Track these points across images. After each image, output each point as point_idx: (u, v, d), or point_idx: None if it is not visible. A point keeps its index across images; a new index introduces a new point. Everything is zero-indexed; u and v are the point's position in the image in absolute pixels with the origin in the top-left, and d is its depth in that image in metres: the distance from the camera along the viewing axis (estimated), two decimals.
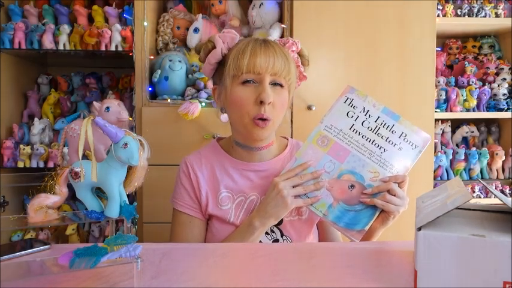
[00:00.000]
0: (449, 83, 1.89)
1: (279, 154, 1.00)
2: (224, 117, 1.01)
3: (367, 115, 0.90)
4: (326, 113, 0.92)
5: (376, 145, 0.88)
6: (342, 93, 0.93)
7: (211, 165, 0.99)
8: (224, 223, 0.95)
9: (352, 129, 0.90)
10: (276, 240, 0.96)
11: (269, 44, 0.91)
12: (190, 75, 1.61)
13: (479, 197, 1.88)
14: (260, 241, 0.94)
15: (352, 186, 0.87)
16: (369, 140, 0.89)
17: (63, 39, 1.70)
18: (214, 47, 0.94)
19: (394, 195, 0.85)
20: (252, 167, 0.97)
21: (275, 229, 0.96)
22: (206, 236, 1.00)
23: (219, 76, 0.96)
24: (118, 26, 1.69)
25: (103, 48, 1.70)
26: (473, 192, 1.88)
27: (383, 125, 0.89)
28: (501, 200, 0.59)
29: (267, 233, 0.95)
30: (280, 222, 0.95)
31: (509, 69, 1.92)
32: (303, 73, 1.01)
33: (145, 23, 1.57)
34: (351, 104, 0.91)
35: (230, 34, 0.94)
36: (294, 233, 0.96)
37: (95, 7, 1.76)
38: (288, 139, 1.06)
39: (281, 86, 0.91)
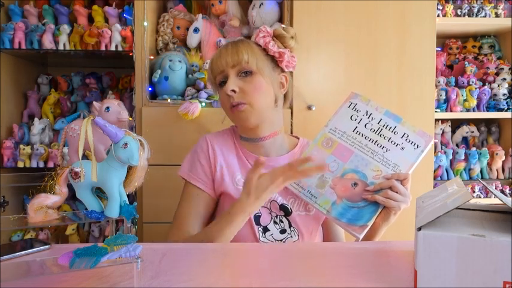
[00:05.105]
0: (449, 83, 1.89)
1: (290, 151, 1.04)
2: None
3: (370, 117, 0.93)
4: (331, 117, 0.96)
5: (379, 145, 0.91)
6: (346, 99, 0.97)
7: (229, 151, 1.03)
8: None
9: (355, 131, 0.93)
10: (284, 231, 0.98)
11: (234, 44, 0.98)
12: (190, 75, 1.61)
13: (479, 197, 1.88)
14: (268, 229, 0.96)
15: (356, 184, 0.88)
16: (371, 140, 0.91)
17: (63, 39, 1.70)
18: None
19: (396, 192, 0.86)
20: None
21: (284, 219, 0.98)
22: (217, 212, 1.02)
23: None
24: (118, 26, 1.69)
25: (103, 48, 1.70)
26: (473, 192, 1.88)
27: (385, 126, 0.92)
28: (501, 200, 0.59)
29: (275, 223, 0.98)
30: (290, 213, 0.99)
31: (509, 69, 1.92)
32: (280, 52, 0.98)
33: (145, 23, 1.57)
34: (354, 108, 0.95)
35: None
36: (301, 226, 0.99)
37: (95, 7, 1.75)
38: (299, 138, 1.09)
39: (250, 72, 0.96)
